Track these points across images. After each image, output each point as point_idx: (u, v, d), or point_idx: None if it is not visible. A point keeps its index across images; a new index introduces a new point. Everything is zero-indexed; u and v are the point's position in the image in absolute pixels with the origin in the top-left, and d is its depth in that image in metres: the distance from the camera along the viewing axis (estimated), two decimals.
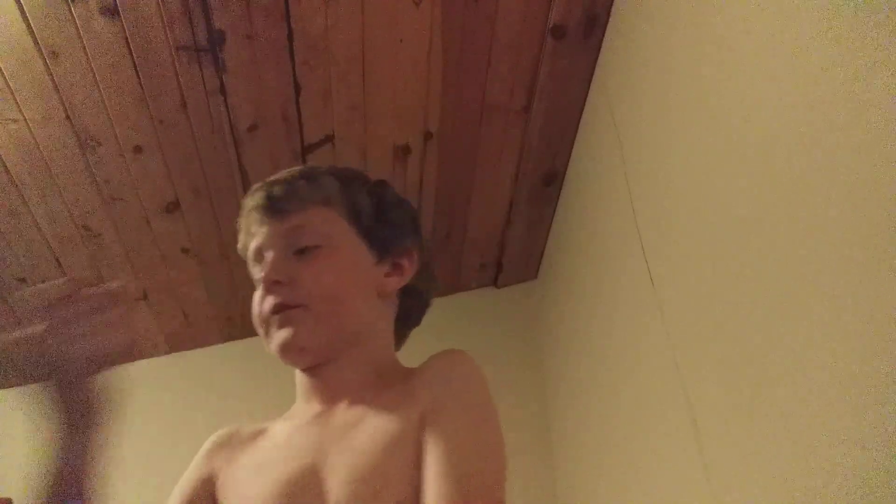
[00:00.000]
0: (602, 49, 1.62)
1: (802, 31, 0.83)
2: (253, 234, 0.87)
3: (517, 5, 1.54)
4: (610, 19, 1.57)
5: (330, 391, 0.82)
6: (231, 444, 0.84)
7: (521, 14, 1.56)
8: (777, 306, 0.85)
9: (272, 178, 0.90)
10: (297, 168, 0.92)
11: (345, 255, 0.85)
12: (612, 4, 1.55)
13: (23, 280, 1.95)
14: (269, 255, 0.84)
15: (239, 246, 0.92)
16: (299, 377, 0.86)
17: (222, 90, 1.61)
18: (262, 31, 1.53)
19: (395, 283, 0.88)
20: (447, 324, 2.20)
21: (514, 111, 1.74)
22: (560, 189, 1.95)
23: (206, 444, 0.86)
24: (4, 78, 1.55)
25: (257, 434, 0.85)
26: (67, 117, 1.63)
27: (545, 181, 1.93)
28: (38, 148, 1.68)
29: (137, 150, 1.70)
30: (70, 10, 1.46)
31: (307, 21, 1.52)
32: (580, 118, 1.77)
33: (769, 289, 0.87)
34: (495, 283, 2.24)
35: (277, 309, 0.80)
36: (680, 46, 1.19)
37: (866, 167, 0.70)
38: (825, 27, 0.79)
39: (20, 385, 2.56)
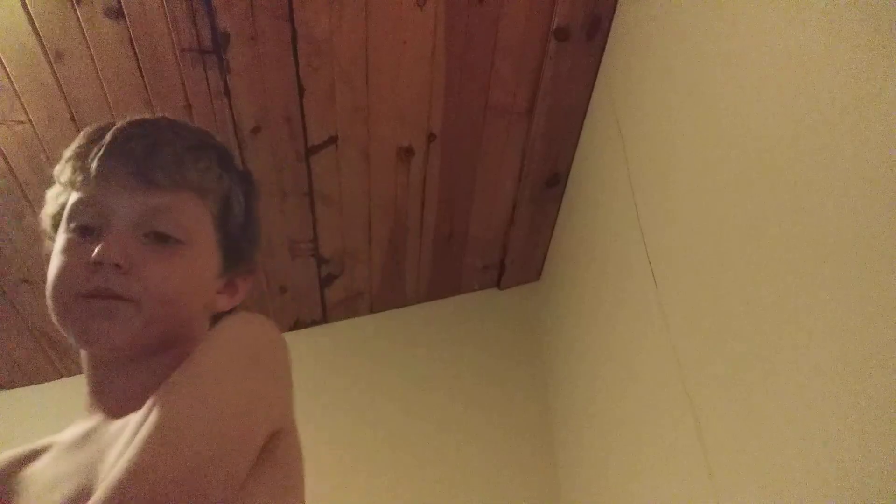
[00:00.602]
0: (605, 51, 1.62)
1: (806, 32, 0.83)
2: (100, 186, 0.71)
3: (521, 7, 1.55)
4: (613, 21, 1.57)
5: (121, 398, 0.70)
6: (13, 469, 0.73)
7: (524, 16, 1.56)
8: (780, 307, 0.85)
9: (150, 126, 0.75)
10: (182, 128, 0.78)
11: (200, 261, 0.74)
12: (615, 6, 1.55)
13: (27, 281, 1.96)
14: (117, 226, 0.70)
15: (63, 177, 0.74)
16: (90, 367, 0.73)
17: (226, 92, 1.62)
18: (266, 33, 1.53)
19: (225, 303, 0.79)
20: (450, 325, 2.21)
21: (517, 113, 1.75)
22: (563, 190, 1.95)
23: None
24: (10, 79, 1.56)
25: (37, 454, 0.74)
26: (72, 118, 1.64)
27: (548, 183, 1.93)
28: (43, 149, 1.69)
29: None
30: (75, 11, 1.47)
31: (311, 23, 1.52)
32: (583, 120, 1.77)
33: (772, 290, 0.87)
34: (498, 284, 2.24)
35: (103, 294, 0.68)
36: (683, 48, 1.20)
37: (870, 167, 0.70)
38: (828, 28, 0.79)
39: (20, 385, 2.57)
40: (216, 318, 0.80)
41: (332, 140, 1.74)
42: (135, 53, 1.54)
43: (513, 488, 1.88)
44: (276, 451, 0.66)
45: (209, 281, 0.76)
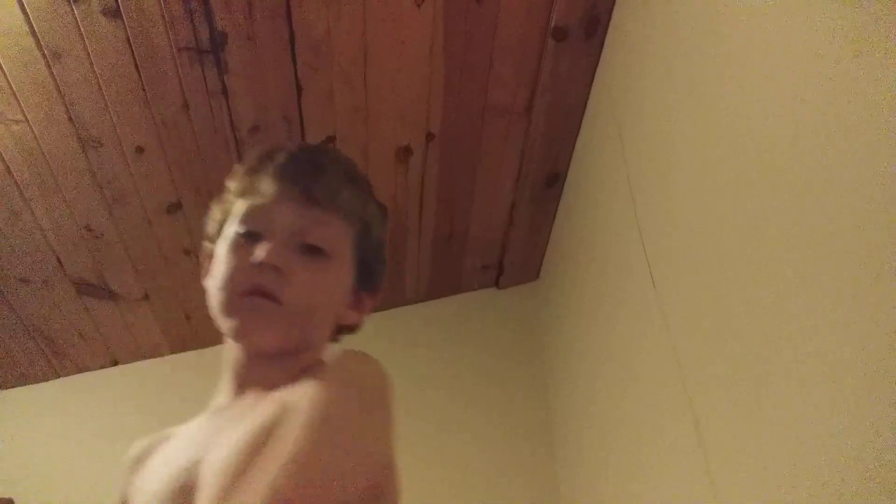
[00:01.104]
0: (603, 50, 1.62)
1: (806, 32, 0.83)
2: (270, 199, 0.82)
3: (519, 7, 1.54)
4: (611, 20, 1.57)
5: (249, 385, 0.79)
6: (146, 454, 0.84)
7: (522, 15, 1.56)
8: (779, 307, 0.85)
9: (317, 152, 0.89)
10: (341, 157, 0.89)
11: (339, 275, 0.83)
12: (613, 5, 1.55)
13: (25, 280, 1.95)
14: (279, 234, 0.80)
15: (236, 187, 0.86)
16: (234, 359, 0.82)
17: (224, 91, 1.61)
18: (263, 33, 1.53)
19: (353, 318, 0.87)
20: (449, 325, 2.21)
21: (515, 112, 1.74)
22: (562, 190, 1.95)
23: (125, 460, 0.85)
24: (7, 79, 1.55)
25: (169, 437, 0.84)
26: (69, 118, 1.63)
27: (547, 182, 1.93)
28: (41, 148, 1.68)
29: (139, 150, 1.71)
30: (72, 10, 1.46)
31: (309, 22, 1.52)
32: (582, 119, 1.77)
33: (771, 289, 0.87)
34: (497, 284, 2.24)
35: (260, 292, 0.76)
36: (681, 47, 1.19)
37: (869, 167, 0.70)
38: (828, 28, 0.79)
39: (20, 385, 2.56)
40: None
41: (331, 140, 1.74)
42: (132, 53, 1.53)
43: (513, 488, 1.87)
44: (382, 487, 0.72)
45: (343, 295, 0.85)
